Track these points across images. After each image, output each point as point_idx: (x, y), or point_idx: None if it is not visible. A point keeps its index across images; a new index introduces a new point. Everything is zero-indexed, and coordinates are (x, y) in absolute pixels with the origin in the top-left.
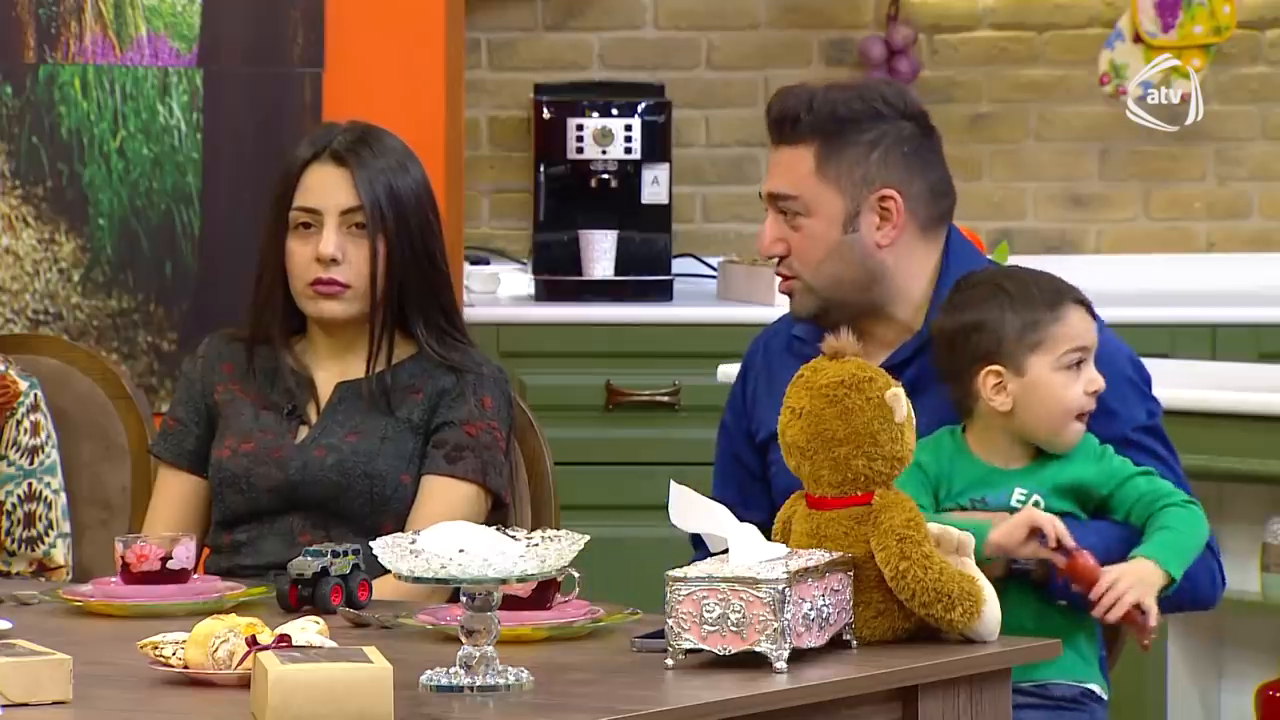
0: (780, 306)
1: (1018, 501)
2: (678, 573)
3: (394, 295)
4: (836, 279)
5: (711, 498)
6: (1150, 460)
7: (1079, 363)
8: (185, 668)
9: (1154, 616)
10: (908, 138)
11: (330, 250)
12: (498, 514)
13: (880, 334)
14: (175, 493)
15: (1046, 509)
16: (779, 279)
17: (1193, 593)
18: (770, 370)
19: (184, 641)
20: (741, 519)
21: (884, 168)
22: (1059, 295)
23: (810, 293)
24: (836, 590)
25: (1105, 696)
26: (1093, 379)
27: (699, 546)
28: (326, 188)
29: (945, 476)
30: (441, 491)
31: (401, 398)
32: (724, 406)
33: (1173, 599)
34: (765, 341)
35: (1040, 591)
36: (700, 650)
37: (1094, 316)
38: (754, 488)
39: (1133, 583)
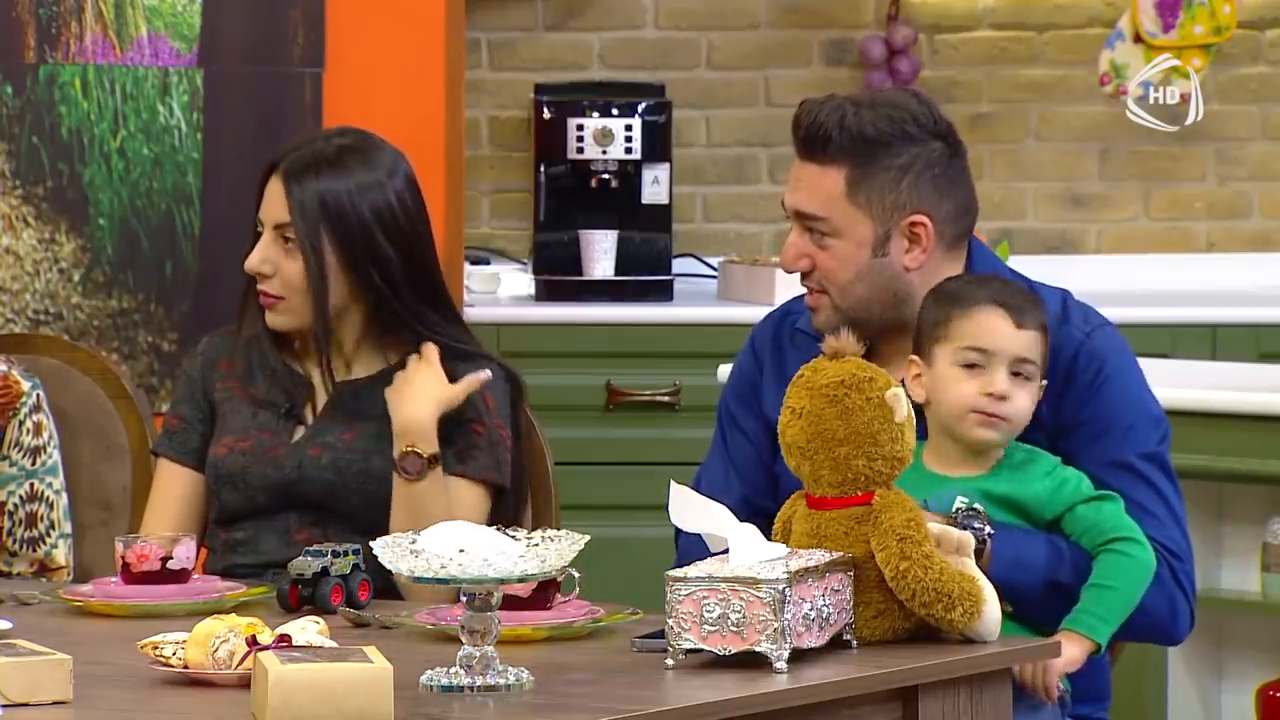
0: (781, 300)
1: (959, 509)
2: (678, 573)
3: (329, 306)
4: (864, 300)
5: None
6: (1145, 489)
7: (977, 364)
8: (185, 668)
9: (1052, 692)
10: (937, 159)
11: (253, 264)
12: (520, 510)
13: (905, 349)
14: (176, 488)
15: (988, 516)
16: (806, 292)
17: (1149, 627)
18: (781, 357)
19: (184, 641)
20: (734, 493)
21: (914, 193)
22: (979, 295)
23: (836, 310)
24: (837, 590)
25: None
26: (992, 381)
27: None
28: (270, 200)
29: None
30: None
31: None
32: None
33: (1129, 631)
34: (774, 327)
35: None
36: (700, 650)
37: (1039, 330)
38: (749, 452)
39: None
